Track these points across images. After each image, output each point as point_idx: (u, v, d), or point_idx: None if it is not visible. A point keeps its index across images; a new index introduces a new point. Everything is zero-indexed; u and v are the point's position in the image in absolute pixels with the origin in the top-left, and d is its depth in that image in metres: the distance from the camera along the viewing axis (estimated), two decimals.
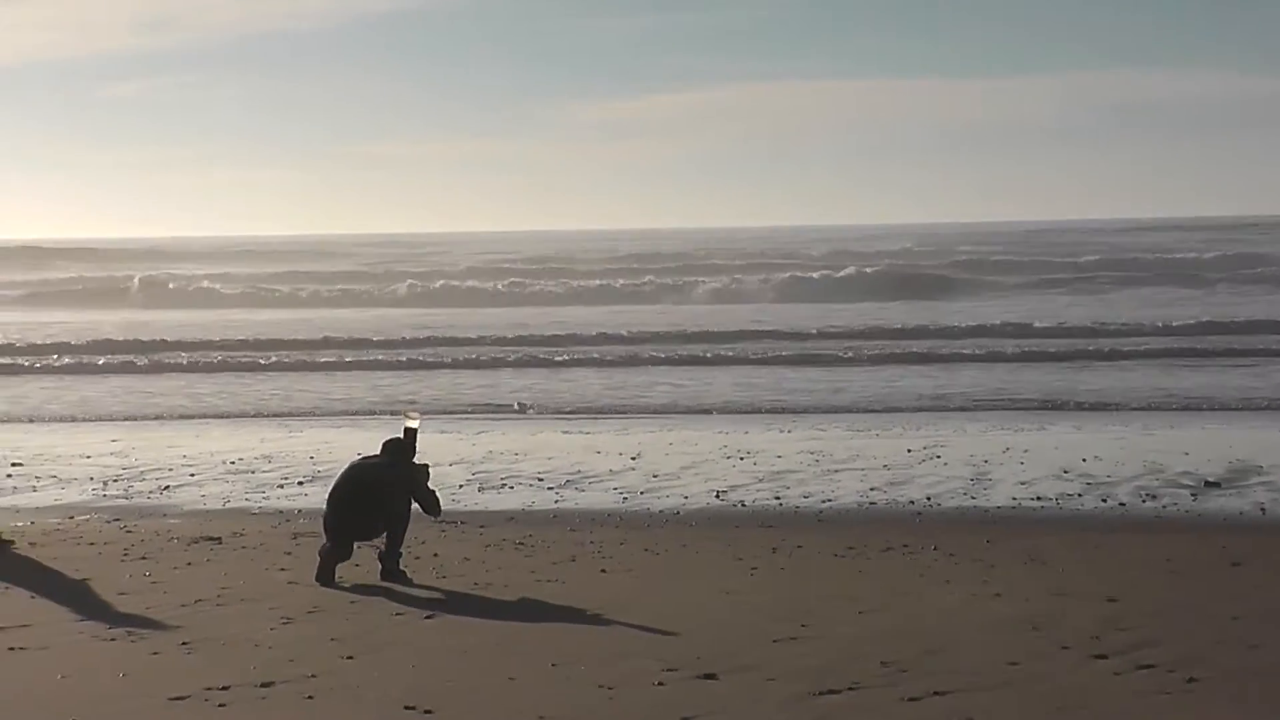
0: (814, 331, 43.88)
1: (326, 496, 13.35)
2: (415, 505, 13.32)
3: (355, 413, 28.23)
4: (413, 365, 37.06)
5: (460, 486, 18.85)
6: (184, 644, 10.83)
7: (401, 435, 13.48)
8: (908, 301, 58.76)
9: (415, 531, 14.03)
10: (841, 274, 68.65)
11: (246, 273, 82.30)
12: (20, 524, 16.30)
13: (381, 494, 13.07)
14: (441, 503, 13.73)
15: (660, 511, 17.04)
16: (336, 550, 13.09)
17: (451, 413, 27.90)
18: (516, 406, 28.56)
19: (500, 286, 68.03)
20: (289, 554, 14.44)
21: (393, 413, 26.70)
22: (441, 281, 70.96)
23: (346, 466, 13.48)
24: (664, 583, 13.00)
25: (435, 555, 14.28)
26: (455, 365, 36.91)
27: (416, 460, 13.42)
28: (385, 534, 13.18)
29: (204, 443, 23.60)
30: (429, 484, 13.46)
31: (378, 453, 13.47)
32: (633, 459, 21.09)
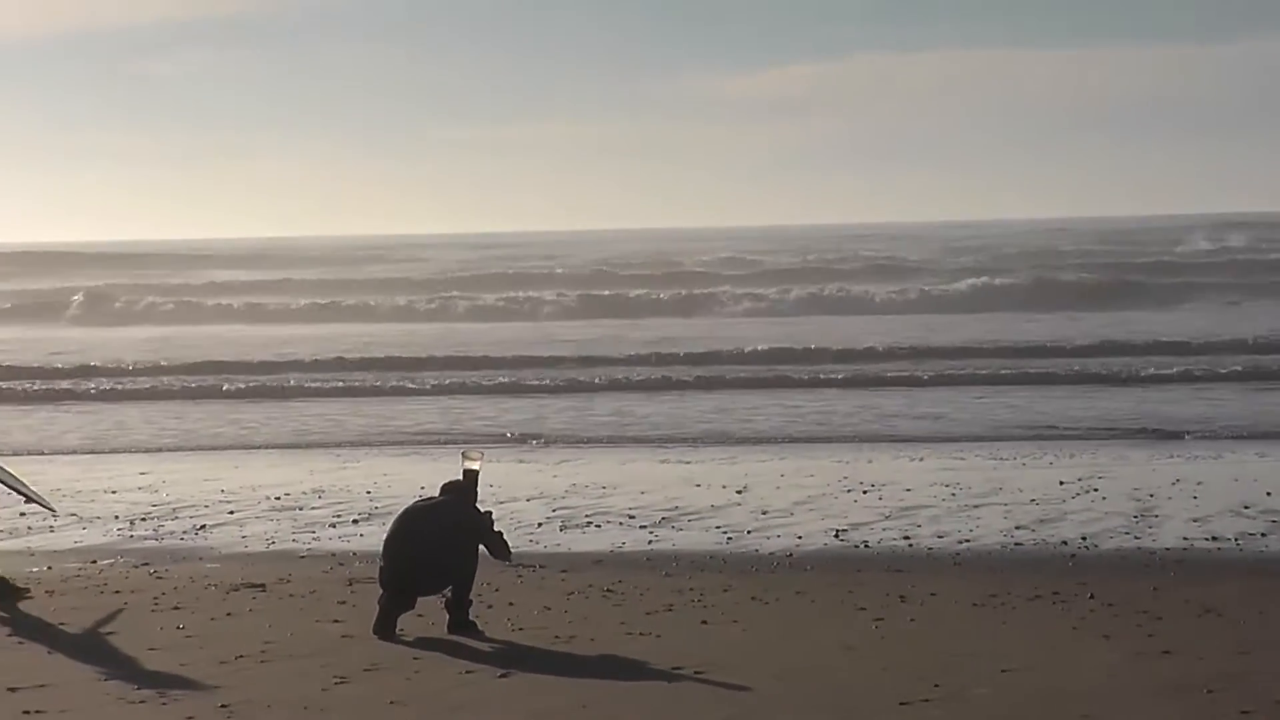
0: (952, 346, 43.77)
1: (382, 545, 13.44)
2: (483, 549, 13.39)
3: (419, 441, 28.39)
4: (487, 389, 37.14)
5: (539, 525, 18.93)
6: (223, 706, 10.93)
7: (461, 478, 13.53)
8: (1065, 312, 58.54)
9: (487, 577, 14.10)
10: (993, 281, 68.27)
11: (300, 279, 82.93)
12: (36, 569, 16.54)
13: (443, 539, 13.12)
14: (511, 546, 13.76)
15: (770, 553, 17.04)
16: (397, 600, 13.18)
17: (530, 440, 28.00)
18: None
19: (593, 294, 68.30)
20: (343, 603, 14.55)
21: (460, 441, 26.81)
22: (527, 290, 71.22)
23: (401, 511, 13.55)
24: (775, 637, 12.99)
25: (510, 604, 14.34)
26: (537, 389, 36.98)
27: (479, 507, 13.47)
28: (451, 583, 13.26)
29: (245, 475, 23.85)
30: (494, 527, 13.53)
31: (436, 494, 13.56)
32: (738, 492, 21.10)
